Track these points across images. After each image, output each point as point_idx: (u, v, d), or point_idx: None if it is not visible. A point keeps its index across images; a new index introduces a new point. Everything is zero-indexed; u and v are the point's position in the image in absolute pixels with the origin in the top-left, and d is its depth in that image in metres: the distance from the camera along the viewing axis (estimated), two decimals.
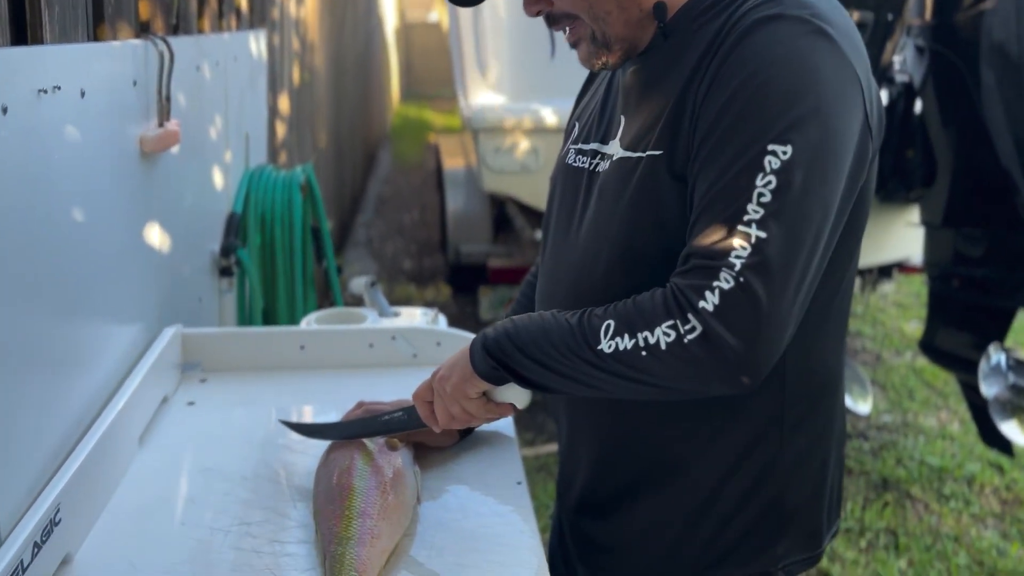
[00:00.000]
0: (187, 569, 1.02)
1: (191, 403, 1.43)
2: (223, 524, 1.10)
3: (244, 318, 2.19)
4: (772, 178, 0.90)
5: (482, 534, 1.09)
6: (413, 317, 1.68)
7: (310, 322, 1.64)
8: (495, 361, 1.03)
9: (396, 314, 1.69)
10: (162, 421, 1.36)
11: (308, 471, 1.22)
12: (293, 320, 2.23)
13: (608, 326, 0.96)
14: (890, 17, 2.58)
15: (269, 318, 2.25)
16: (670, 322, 0.92)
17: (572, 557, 1.20)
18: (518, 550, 1.06)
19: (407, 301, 4.59)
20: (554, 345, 0.99)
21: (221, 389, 1.48)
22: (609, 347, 0.95)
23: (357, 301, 1.99)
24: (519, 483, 1.20)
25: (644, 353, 0.93)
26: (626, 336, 0.94)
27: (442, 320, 1.69)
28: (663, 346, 0.92)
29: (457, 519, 1.12)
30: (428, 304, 4.40)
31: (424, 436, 1.24)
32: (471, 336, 1.58)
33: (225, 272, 2.03)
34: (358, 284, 1.72)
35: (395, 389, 1.47)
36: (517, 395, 1.09)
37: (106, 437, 1.16)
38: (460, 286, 4.45)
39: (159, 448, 1.29)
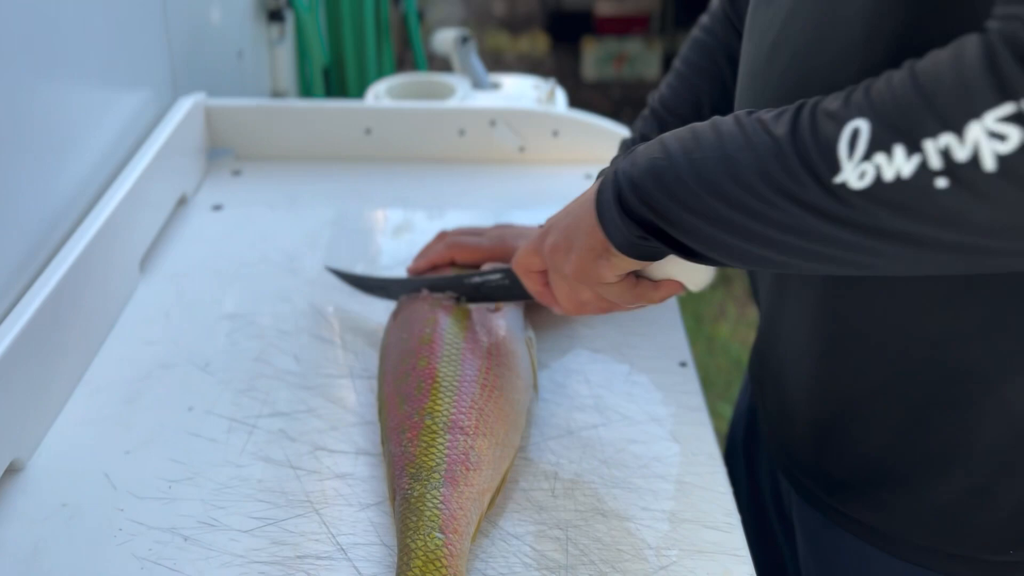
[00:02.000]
0: (189, 493, 0.67)
1: (218, 207, 1.04)
2: (248, 413, 0.75)
3: (304, 80, 1.76)
4: None
5: (635, 456, 0.71)
6: (520, 90, 1.23)
7: (379, 95, 1.20)
8: (642, 227, 0.59)
9: (496, 85, 1.23)
10: (176, 234, 0.99)
11: (377, 326, 0.84)
12: (366, 83, 1.79)
13: (855, 133, 0.49)
14: None
15: (335, 81, 1.82)
16: (1008, 107, 0.44)
17: (787, 498, 0.81)
18: (693, 488, 0.68)
19: (497, 54, 4.05)
20: (745, 184, 0.53)
21: (260, 186, 1.09)
22: (860, 176, 0.48)
23: (442, 64, 1.53)
24: (683, 364, 0.80)
25: (943, 183, 0.46)
26: (898, 149, 0.47)
27: (560, 96, 1.23)
28: (989, 161, 0.45)
29: (593, 425, 0.74)
30: (522, 57, 3.86)
31: None
32: (601, 124, 1.13)
33: (275, 16, 1.57)
34: (444, 40, 1.26)
35: (495, 199, 1.06)
36: (689, 269, 0.66)
37: (86, 261, 0.79)
38: (560, 35, 3.86)
39: (168, 277, 0.92)
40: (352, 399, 0.76)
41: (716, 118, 0.57)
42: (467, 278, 0.78)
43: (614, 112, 3.04)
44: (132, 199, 0.90)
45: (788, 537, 0.83)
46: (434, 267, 0.84)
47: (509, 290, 0.77)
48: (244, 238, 0.98)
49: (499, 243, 0.83)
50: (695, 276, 0.66)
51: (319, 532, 0.64)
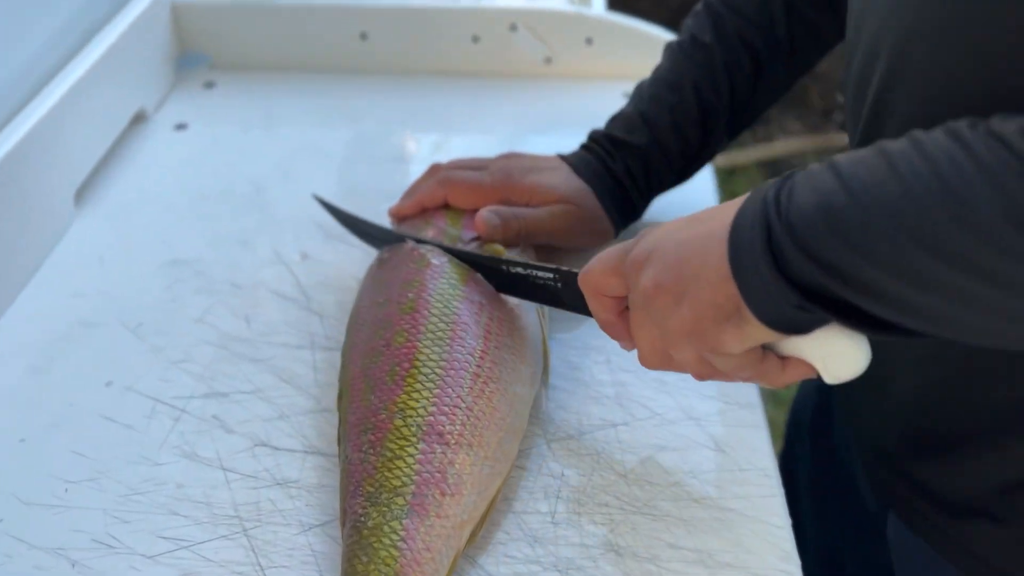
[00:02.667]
0: (89, 498, 0.52)
1: (181, 126, 0.88)
2: (178, 392, 0.59)
3: None
4: None
5: (664, 470, 0.54)
6: None
7: None
8: (804, 293, 0.40)
9: None
10: (126, 159, 0.83)
11: (356, 283, 0.68)
12: None
13: None
14: None
15: None
16: None
17: (872, 512, 0.64)
18: (739, 518, 0.51)
19: None
20: (980, 231, 0.36)
21: (234, 102, 0.92)
22: None
23: None
24: None
25: None
26: None
27: None
28: None
29: (612, 423, 0.57)
30: None
31: (553, 233, 0.66)
32: (644, 30, 0.93)
33: None
34: None
35: (514, 120, 0.88)
36: (840, 349, 0.45)
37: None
38: None
39: (110, 213, 0.77)
40: (309, 378, 0.60)
41: (914, 132, 0.39)
42: (506, 263, 0.59)
43: (672, 23, 2.78)
44: (68, 112, 0.74)
45: (867, 559, 0.67)
46: (423, 210, 0.67)
47: (556, 296, 0.57)
48: (207, 165, 0.82)
49: (504, 180, 0.65)
50: (844, 360, 0.44)
51: (244, 563, 0.49)
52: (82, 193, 0.77)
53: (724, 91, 0.66)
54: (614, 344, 0.62)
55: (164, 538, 0.50)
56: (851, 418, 0.64)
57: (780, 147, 2.39)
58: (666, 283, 0.45)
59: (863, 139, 0.50)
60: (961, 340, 0.41)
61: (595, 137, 0.69)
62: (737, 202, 0.44)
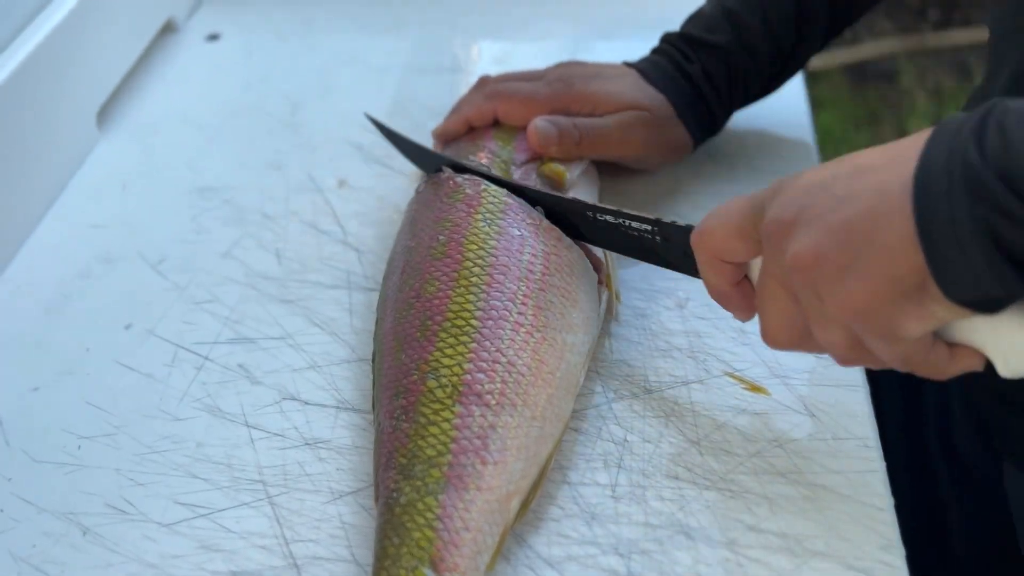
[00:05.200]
0: (103, 457, 0.47)
1: (213, 37, 0.81)
2: (201, 337, 0.54)
3: None
4: None
5: (745, 436, 0.47)
6: None
7: None
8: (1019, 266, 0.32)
9: None
10: (153, 74, 0.76)
11: (397, 215, 0.61)
12: None
13: None
14: None
15: None
16: None
17: (969, 451, 0.58)
18: (832, 497, 0.44)
19: None
20: None
21: (273, 8, 0.84)
22: None
23: None
24: None
25: None
26: None
27: None
28: None
29: (684, 380, 0.50)
30: None
31: (620, 145, 0.57)
32: None
33: None
34: None
35: (576, 23, 0.79)
36: (1016, 338, 0.36)
37: (9, 107, 0.59)
38: None
39: (135, 134, 0.71)
40: (344, 322, 0.54)
41: None
42: (592, 210, 0.50)
43: None
44: (88, 20, 0.67)
45: (962, 494, 0.61)
46: (469, 128, 0.59)
47: (653, 251, 0.49)
48: (239, 80, 0.75)
49: (562, 89, 0.57)
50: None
51: (268, 534, 0.44)
52: (105, 113, 0.71)
53: None
54: (690, 285, 0.55)
55: (181, 504, 0.46)
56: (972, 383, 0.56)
57: (868, 49, 2.21)
58: (829, 252, 0.35)
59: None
60: None
61: (668, 38, 0.60)
62: (910, 143, 0.34)
